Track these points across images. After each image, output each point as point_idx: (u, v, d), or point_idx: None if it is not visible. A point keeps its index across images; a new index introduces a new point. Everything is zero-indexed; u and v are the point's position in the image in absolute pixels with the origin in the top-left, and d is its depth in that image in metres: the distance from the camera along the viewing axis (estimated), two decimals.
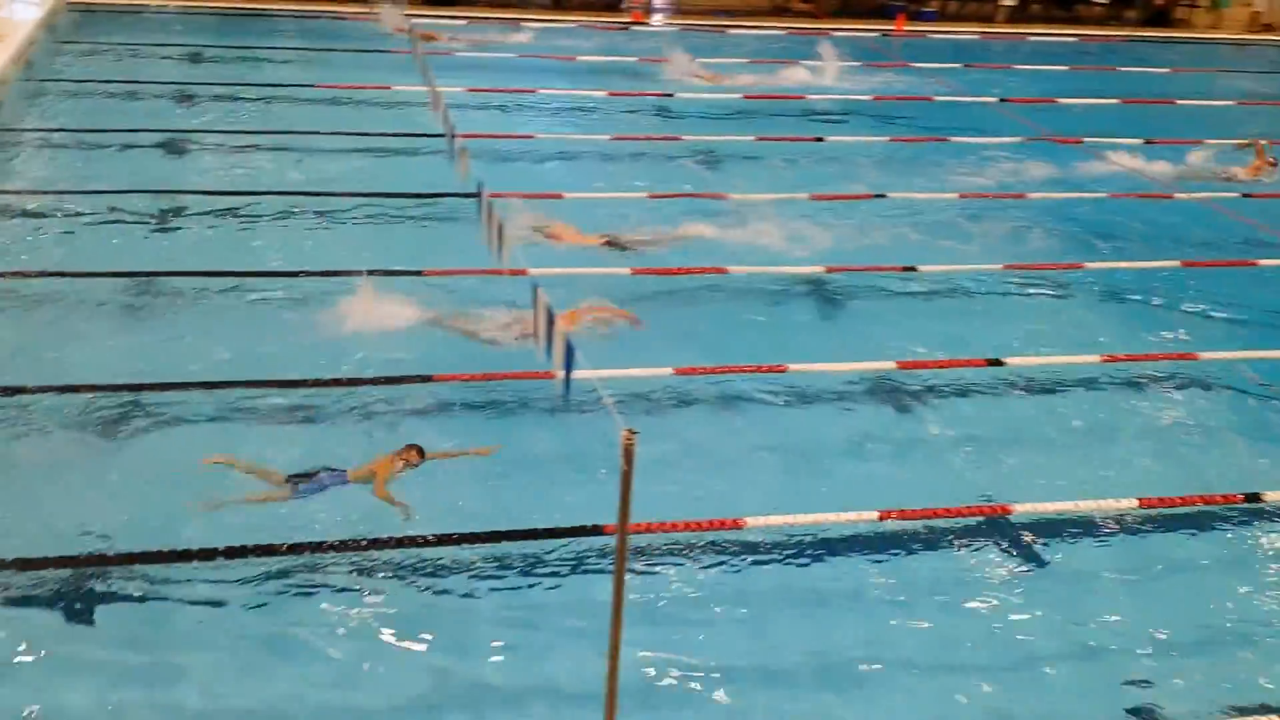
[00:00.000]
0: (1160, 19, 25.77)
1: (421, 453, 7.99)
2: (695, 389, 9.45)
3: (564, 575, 7.21)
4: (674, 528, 7.50)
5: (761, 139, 15.96)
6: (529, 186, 13.38)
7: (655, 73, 19.31)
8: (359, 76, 17.71)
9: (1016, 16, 24.81)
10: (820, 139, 16.20)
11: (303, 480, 7.66)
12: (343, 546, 7.13)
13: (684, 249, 12.05)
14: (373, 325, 9.79)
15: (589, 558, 7.34)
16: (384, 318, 9.90)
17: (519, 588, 7.08)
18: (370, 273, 10.22)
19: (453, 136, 9.19)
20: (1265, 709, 6.45)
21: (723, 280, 11.36)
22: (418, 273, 10.86)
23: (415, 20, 19.49)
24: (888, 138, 16.49)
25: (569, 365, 4.93)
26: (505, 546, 7.33)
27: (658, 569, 7.35)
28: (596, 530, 7.36)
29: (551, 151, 15.29)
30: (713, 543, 7.59)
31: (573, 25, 22.43)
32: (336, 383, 8.97)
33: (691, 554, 7.50)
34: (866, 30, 23.29)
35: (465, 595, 6.98)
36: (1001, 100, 18.46)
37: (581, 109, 17.31)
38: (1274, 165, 15.94)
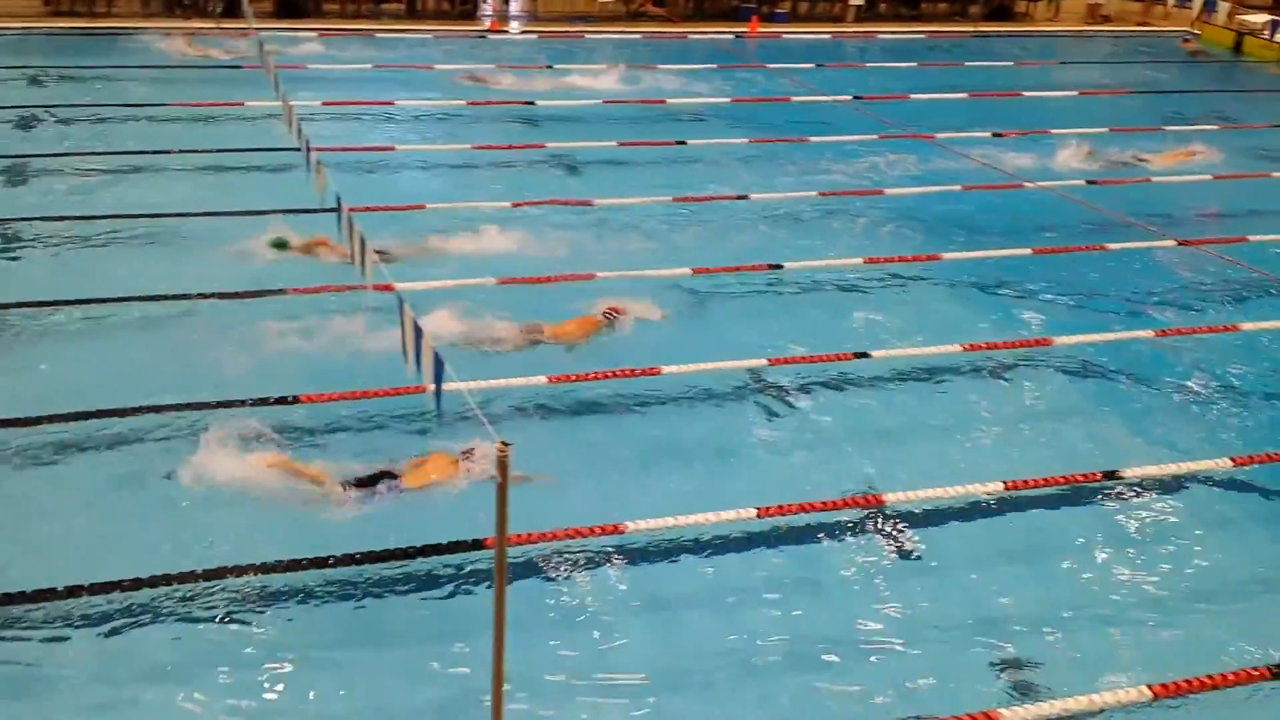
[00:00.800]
0: (1002, 13, 26.58)
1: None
2: (571, 396, 9.42)
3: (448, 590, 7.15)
4: (554, 536, 7.47)
5: (624, 144, 16.00)
6: (389, 199, 13.23)
7: (513, 79, 19.22)
8: (210, 94, 17.23)
9: (865, 16, 25.35)
10: (682, 142, 16.31)
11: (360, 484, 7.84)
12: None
13: (470, 255, 11.95)
14: (244, 347, 9.59)
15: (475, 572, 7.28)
16: (256, 339, 9.72)
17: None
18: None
19: (308, 151, 8.99)
20: (1133, 681, 6.68)
21: (590, 286, 11.36)
22: (280, 291, 10.66)
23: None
24: (748, 139, 16.67)
25: (439, 379, 4.87)
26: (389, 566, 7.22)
27: (539, 578, 7.32)
28: (477, 545, 7.29)
29: (411, 163, 15.12)
30: (594, 549, 7.58)
31: (428, 35, 22.19)
32: (198, 406, 8.72)
33: (572, 561, 7.48)
34: (721, 33, 23.54)
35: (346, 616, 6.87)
36: (856, 98, 18.83)
37: (441, 118, 17.13)
38: (1192, 154, 16.81)
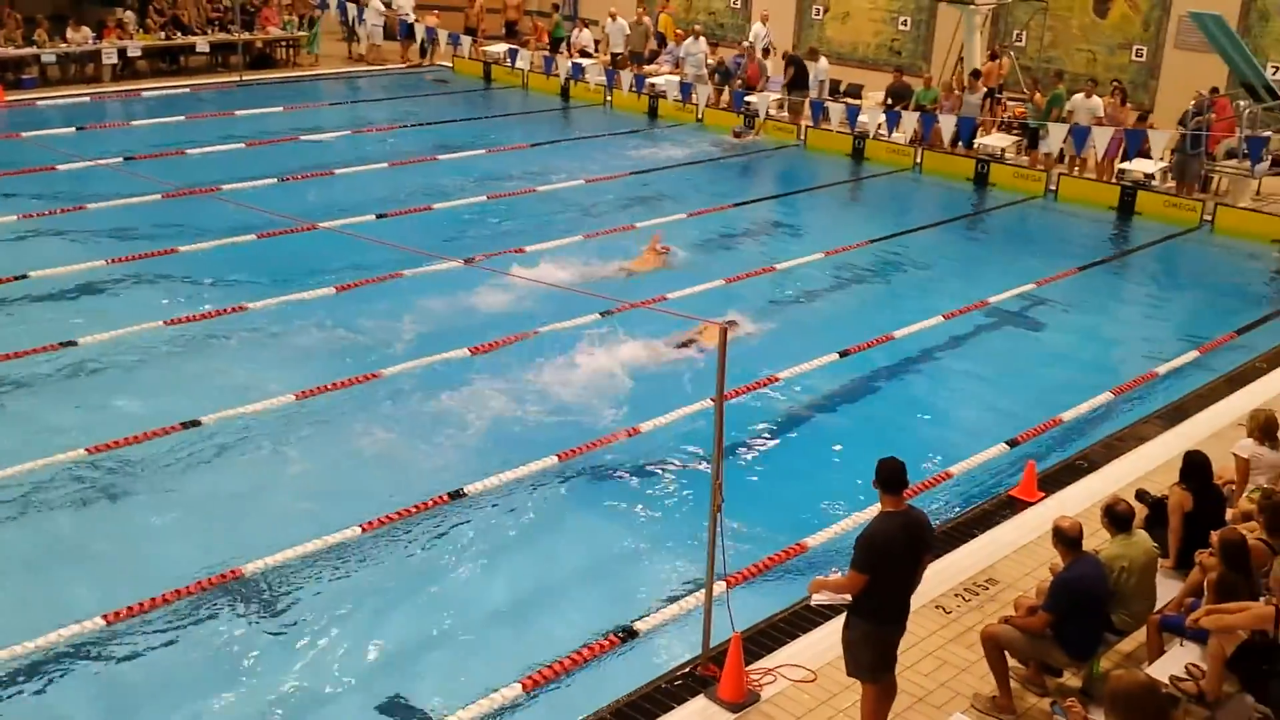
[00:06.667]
0: (264, 62, 26.59)
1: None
2: None
3: None
4: None
5: None
6: None
7: None
8: None
9: (123, 74, 24.16)
10: None
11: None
12: None
13: None
14: None
15: None
16: None
17: None
18: None
19: None
20: (508, 680, 7.10)
21: None
22: None
23: None
24: (16, 215, 15.26)
25: None
26: None
27: None
28: None
29: None
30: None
31: None
32: None
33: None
34: None
35: None
36: (126, 159, 17.90)
37: None
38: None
